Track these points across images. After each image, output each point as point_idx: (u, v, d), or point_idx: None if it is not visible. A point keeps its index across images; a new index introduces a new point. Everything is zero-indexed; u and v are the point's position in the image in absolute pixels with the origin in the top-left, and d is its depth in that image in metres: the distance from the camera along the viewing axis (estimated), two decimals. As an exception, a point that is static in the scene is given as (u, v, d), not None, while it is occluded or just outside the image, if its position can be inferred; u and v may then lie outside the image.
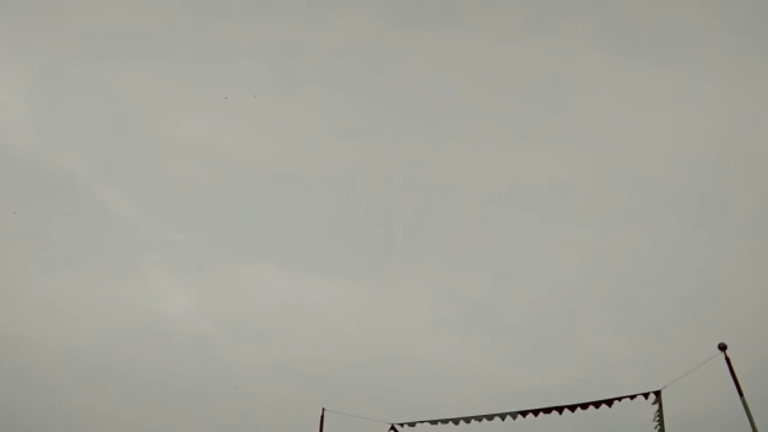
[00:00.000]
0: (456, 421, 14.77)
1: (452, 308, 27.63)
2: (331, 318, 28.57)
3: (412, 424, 15.73)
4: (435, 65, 31.73)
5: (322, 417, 16.31)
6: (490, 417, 14.58)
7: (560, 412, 14.08)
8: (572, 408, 14.04)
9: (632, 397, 14.00)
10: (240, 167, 31.31)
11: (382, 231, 30.16)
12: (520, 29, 31.30)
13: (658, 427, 14.04)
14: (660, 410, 13.98)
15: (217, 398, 24.78)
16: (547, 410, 14.17)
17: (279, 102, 31.34)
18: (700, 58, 29.01)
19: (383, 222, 30.43)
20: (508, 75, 31.39)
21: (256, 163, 31.38)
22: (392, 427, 16.13)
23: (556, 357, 24.95)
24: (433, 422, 15.26)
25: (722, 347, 13.61)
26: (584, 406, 14.05)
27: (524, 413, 14.38)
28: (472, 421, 14.65)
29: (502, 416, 14.50)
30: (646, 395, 13.98)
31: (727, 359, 13.39)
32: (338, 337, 27.55)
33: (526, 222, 29.27)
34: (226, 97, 29.12)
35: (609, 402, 14.03)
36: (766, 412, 12.99)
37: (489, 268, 28.32)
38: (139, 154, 31.77)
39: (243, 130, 31.45)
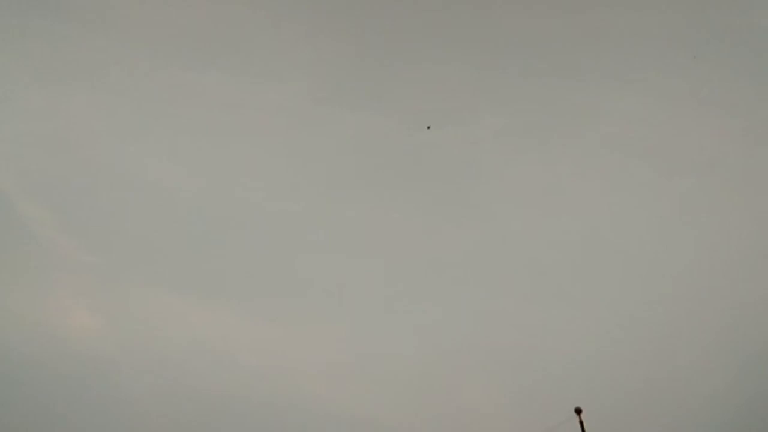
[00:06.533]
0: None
1: (348, 355, 27.48)
2: (233, 354, 27.58)
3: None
4: (359, 138, 32.79)
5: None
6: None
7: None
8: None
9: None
10: (165, 199, 30.49)
11: (294, 275, 29.93)
12: (439, 117, 33.06)
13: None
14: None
15: (111, 423, 23.17)
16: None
17: (212, 144, 31.44)
18: (590, 159, 31.65)
19: (295, 266, 30.27)
20: (427, 156, 32.86)
21: (181, 197, 30.71)
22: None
23: (438, 408, 25.20)
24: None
25: (578, 411, 14.34)
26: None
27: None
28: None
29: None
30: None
31: (581, 422, 14.09)
32: (238, 374, 26.56)
33: (425, 284, 30.02)
34: (428, 127, 29.08)
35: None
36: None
37: (387, 321, 28.55)
38: (68, 176, 30.41)
39: (172, 163, 31.05)
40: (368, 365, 27.51)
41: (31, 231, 28.76)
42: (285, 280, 29.60)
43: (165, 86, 32.23)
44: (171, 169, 30.95)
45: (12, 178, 29.73)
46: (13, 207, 28.99)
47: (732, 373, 23.49)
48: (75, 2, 32.44)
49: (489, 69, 33.17)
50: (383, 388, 26.88)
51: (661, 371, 23.99)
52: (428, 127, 29.53)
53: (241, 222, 30.70)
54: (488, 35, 33.78)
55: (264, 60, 33.37)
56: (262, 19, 33.78)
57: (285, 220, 30.97)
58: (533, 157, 31.62)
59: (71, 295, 27.97)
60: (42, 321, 26.94)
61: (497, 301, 28.58)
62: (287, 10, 33.83)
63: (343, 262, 30.64)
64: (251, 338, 28.19)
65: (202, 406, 23.86)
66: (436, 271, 30.55)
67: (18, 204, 29.20)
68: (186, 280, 28.92)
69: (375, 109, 33.09)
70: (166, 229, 29.99)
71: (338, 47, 33.69)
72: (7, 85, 30.61)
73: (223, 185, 31.21)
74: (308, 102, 32.60)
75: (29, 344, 25.61)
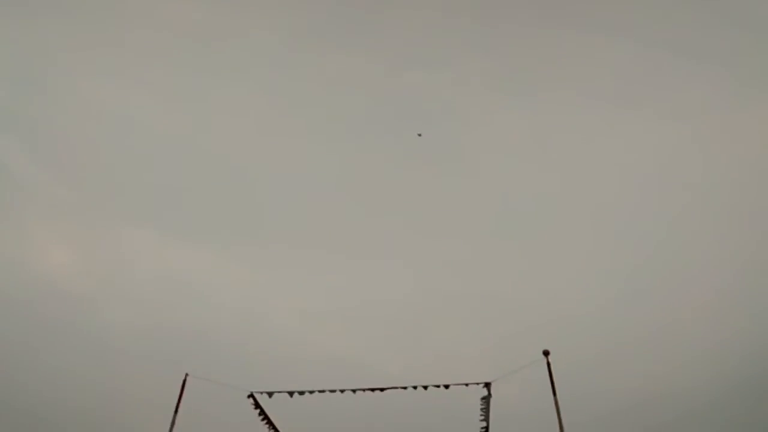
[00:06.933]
0: (311, 392, 14.91)
1: (325, 299, 27.79)
2: (211, 293, 27.69)
3: (270, 394, 15.63)
4: (341, 78, 31.92)
5: (184, 381, 15.83)
6: (342, 391, 14.83)
7: (405, 389, 14.71)
8: (415, 387, 14.75)
9: (467, 384, 14.81)
10: (142, 136, 29.70)
11: (272, 218, 29.77)
12: (424, 58, 32.25)
13: (483, 414, 15.12)
14: (488, 398, 14.95)
15: (87, 355, 23.29)
16: (393, 388, 14.71)
17: (189, 80, 30.37)
18: (576, 107, 31.23)
19: (273, 209, 30.07)
20: (410, 99, 32.21)
21: (158, 134, 29.88)
22: (251, 395, 15.98)
23: (413, 350, 25.85)
24: (290, 393, 15.25)
25: (545, 353, 14.76)
26: (425, 387, 14.78)
27: (373, 390, 14.81)
28: (327, 393, 14.84)
29: (354, 391, 14.83)
30: (477, 384, 14.87)
31: (548, 364, 14.53)
32: (216, 312, 26.74)
33: (403, 232, 30.16)
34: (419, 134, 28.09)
35: (447, 386, 14.80)
36: (575, 411, 14.22)
37: (364, 267, 28.74)
38: (41, 109, 29.27)
39: (150, 101, 29.90)
40: (345, 309, 27.83)
41: (5, 165, 27.93)
42: (263, 222, 29.47)
43: (143, 19, 30.78)
44: (148, 105, 29.93)
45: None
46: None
47: (698, 322, 24.25)
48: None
49: (476, 12, 32.19)
50: (359, 331, 27.33)
51: (627, 319, 24.70)
52: (419, 135, 28.69)
53: (219, 161, 30.15)
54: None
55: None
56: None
57: (264, 162, 30.49)
58: (519, 104, 31.12)
59: (47, 231, 27.61)
60: (17, 257, 26.56)
61: (473, 249, 28.88)
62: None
63: (321, 207, 30.53)
64: (229, 277, 28.28)
65: (180, 342, 24.00)
66: (415, 218, 30.59)
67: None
68: (164, 219, 28.60)
69: (358, 49, 32.01)
70: (144, 166, 29.37)
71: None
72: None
73: (201, 123, 30.46)
74: (290, 40, 31.42)
75: (3, 280, 25.28)
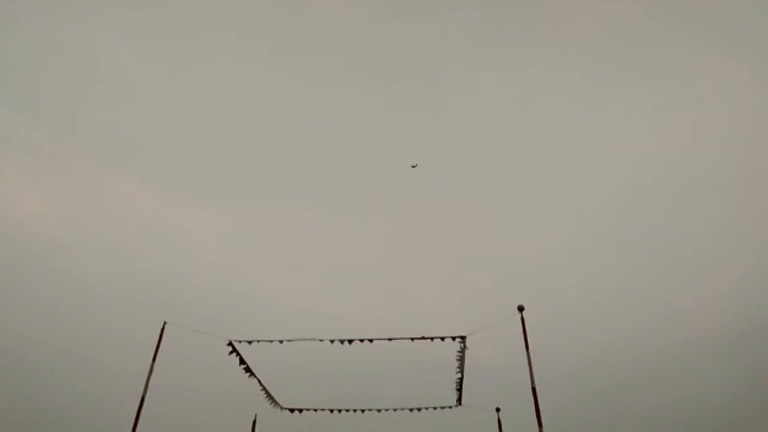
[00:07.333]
0: (290, 341, 15.09)
1: (307, 252, 27.79)
2: (191, 244, 27.42)
3: (249, 342, 15.79)
4: (326, 26, 31.00)
5: (163, 329, 15.84)
6: (321, 340, 15.05)
7: (379, 341, 14.99)
8: (390, 340, 15.07)
9: (443, 338, 15.16)
10: (123, 83, 28.59)
11: (254, 170, 29.37)
12: (408, 10, 31.38)
13: (459, 365, 15.62)
14: (463, 351, 15.38)
15: (65, 303, 23.00)
16: (371, 340, 14.98)
17: (168, 24, 29.11)
18: (564, 66, 30.92)
19: (255, 161, 29.63)
20: (396, 51, 31.49)
21: (136, 80, 28.85)
22: (230, 344, 16.11)
23: (391, 303, 26.15)
24: (270, 341, 15.40)
25: (520, 308, 15.13)
26: (402, 339, 15.09)
27: (350, 341, 15.05)
28: (305, 342, 15.04)
29: (332, 341, 15.06)
30: (453, 338, 15.22)
31: (522, 319, 14.92)
32: (195, 261, 26.58)
33: (384, 185, 30.07)
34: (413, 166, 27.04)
35: (424, 338, 15.13)
36: (546, 363, 14.71)
37: (345, 221, 28.75)
38: (16, 51, 27.98)
39: (130, 45, 28.70)
40: (325, 262, 27.95)
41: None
42: (244, 174, 29.05)
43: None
44: (128, 49, 28.71)
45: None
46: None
47: (670, 281, 24.91)
48: None
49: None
50: (338, 283, 27.51)
51: (601, 277, 25.24)
52: (413, 166, 27.92)
53: (201, 111, 29.35)
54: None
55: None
56: None
57: (246, 113, 29.88)
58: (505, 59, 30.64)
59: (20, 177, 26.74)
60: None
61: (452, 206, 29.04)
62: None
63: (302, 160, 30.19)
64: (209, 227, 28.01)
65: (158, 290, 23.84)
66: (395, 174, 30.46)
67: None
68: (143, 167, 27.92)
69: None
70: (122, 111, 28.35)
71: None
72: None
73: (181, 71, 29.44)
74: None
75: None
